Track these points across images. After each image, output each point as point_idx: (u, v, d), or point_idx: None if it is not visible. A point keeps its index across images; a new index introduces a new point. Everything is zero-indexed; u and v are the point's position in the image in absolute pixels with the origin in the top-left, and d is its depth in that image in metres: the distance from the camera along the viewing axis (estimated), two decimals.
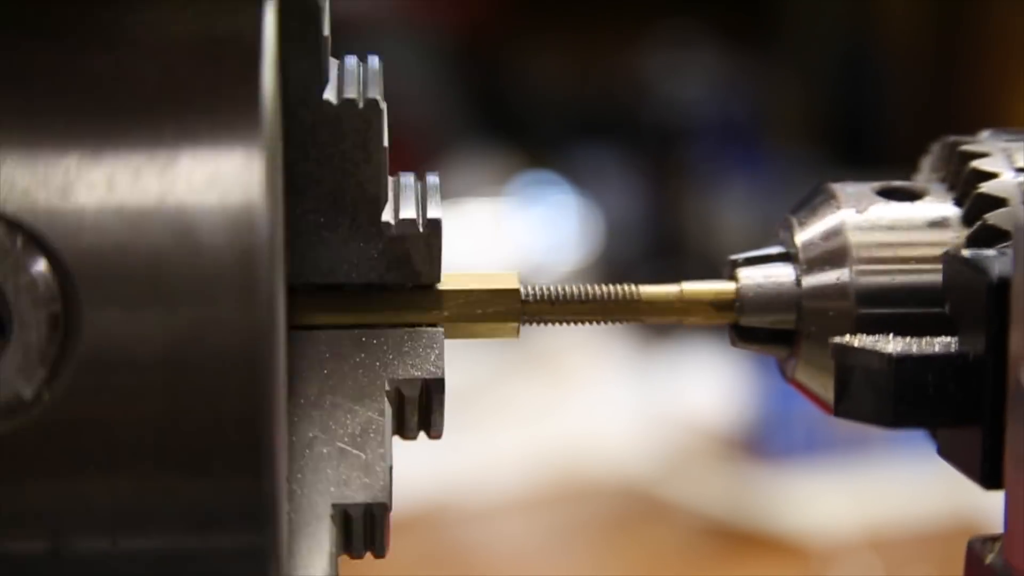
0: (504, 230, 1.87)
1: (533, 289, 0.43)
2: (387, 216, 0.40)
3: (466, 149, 2.04)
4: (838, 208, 0.43)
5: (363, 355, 0.41)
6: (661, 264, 1.89)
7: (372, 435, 0.40)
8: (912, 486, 1.38)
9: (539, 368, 1.67)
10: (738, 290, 0.43)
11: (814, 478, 1.43)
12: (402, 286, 0.41)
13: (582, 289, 0.43)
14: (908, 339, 0.40)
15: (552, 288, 0.43)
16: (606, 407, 1.62)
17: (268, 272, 0.34)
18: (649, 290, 0.44)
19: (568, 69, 2.26)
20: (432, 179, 0.41)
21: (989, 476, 0.38)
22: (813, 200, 0.44)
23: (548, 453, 1.53)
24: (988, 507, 0.40)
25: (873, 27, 2.30)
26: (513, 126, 2.17)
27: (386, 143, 0.40)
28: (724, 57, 2.15)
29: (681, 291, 0.43)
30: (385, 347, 0.41)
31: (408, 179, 0.41)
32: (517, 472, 1.50)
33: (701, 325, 0.44)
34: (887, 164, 0.51)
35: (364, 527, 0.39)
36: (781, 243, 0.44)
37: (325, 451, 0.40)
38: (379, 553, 0.40)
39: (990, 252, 0.40)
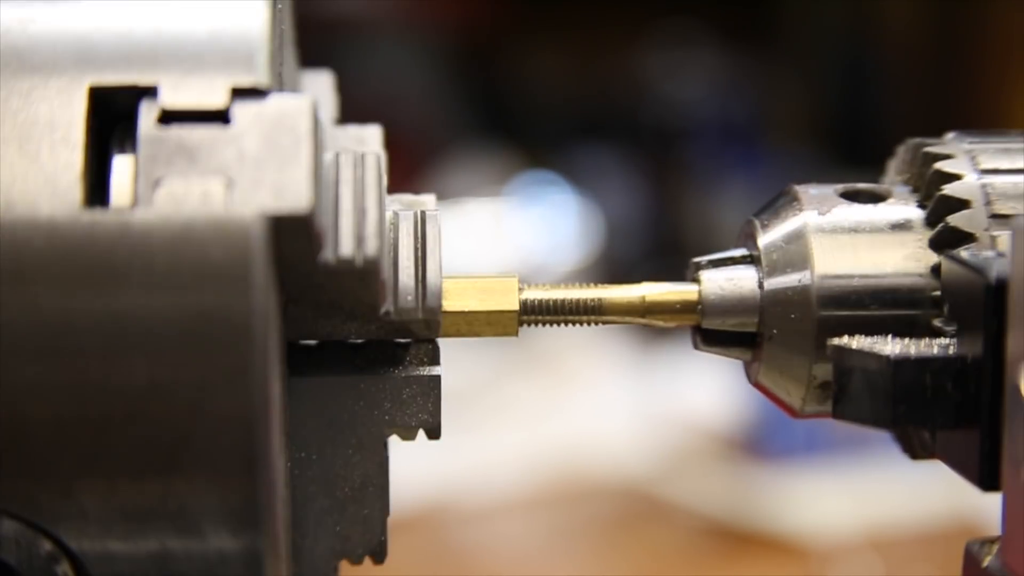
0: (504, 230, 1.86)
1: None
2: (387, 305, 0.40)
3: (466, 149, 2.04)
4: (800, 210, 0.43)
5: (362, 403, 0.41)
6: (661, 264, 1.89)
7: (371, 488, 0.40)
8: (912, 486, 1.37)
9: (539, 369, 1.66)
10: (700, 293, 0.43)
11: (814, 478, 1.42)
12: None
13: (546, 291, 0.43)
14: (906, 341, 0.40)
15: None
16: (606, 407, 1.62)
17: None
18: (613, 292, 0.43)
19: (568, 69, 2.26)
20: (431, 241, 0.41)
21: (987, 478, 0.38)
22: (776, 202, 0.44)
23: (548, 453, 1.52)
24: (988, 507, 0.40)
25: (873, 27, 2.29)
26: (513, 126, 2.17)
27: (385, 276, 0.39)
28: (724, 57, 2.15)
29: (644, 294, 0.43)
30: (383, 395, 0.41)
31: (407, 237, 0.41)
32: (517, 472, 1.50)
33: (665, 328, 0.44)
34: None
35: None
36: (744, 246, 0.44)
37: (327, 504, 0.40)
38: (378, 560, 0.41)
39: (988, 254, 0.40)
